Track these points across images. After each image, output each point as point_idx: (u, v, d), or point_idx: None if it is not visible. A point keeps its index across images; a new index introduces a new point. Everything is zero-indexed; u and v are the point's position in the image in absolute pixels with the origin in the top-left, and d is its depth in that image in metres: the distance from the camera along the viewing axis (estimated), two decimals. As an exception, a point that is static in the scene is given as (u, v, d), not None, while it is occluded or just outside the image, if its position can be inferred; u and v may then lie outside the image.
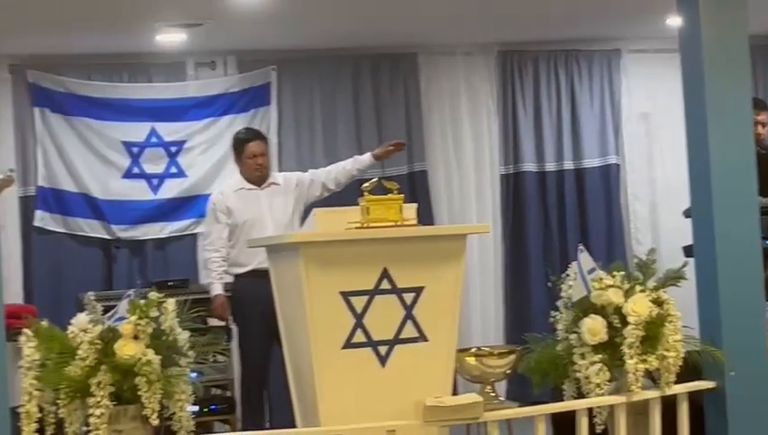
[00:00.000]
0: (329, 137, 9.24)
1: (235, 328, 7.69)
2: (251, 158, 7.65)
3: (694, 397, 5.83)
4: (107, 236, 8.87)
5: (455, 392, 5.56)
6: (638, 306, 5.53)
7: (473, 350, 5.94)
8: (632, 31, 9.36)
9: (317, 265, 5.29)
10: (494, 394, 5.74)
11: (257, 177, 7.64)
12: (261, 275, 6.49)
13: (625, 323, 5.51)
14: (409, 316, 5.42)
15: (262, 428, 7.30)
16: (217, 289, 7.59)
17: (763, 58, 9.82)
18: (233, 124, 8.99)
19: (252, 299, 7.24)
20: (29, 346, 5.08)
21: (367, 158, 7.76)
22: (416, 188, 9.19)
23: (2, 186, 7.38)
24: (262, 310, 6.70)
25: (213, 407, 8.02)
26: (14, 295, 8.31)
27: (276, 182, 7.68)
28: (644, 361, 5.51)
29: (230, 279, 7.63)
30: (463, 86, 9.55)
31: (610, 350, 5.52)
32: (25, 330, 5.15)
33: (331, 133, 9.24)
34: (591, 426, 5.52)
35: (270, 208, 7.56)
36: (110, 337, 5.01)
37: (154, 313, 5.05)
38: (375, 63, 9.37)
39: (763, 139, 7.82)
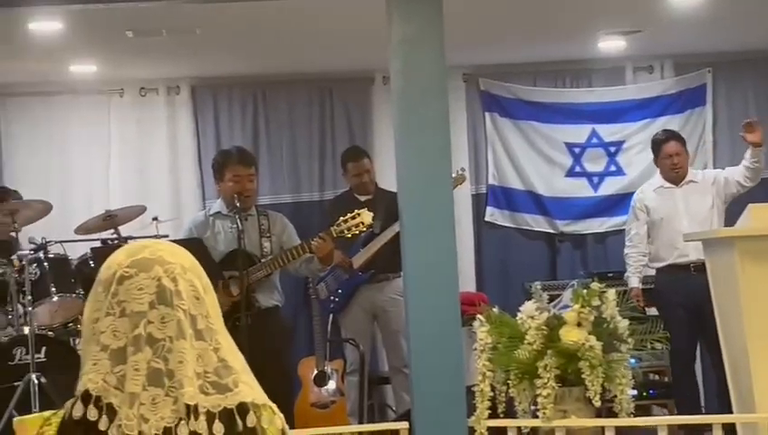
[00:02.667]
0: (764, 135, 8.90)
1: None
2: (666, 158, 7.54)
3: None
4: (551, 231, 8.94)
5: None
6: None
7: None
8: None
9: (752, 258, 5.15)
10: None
11: (674, 176, 7.50)
12: (679, 269, 6.87)
13: None
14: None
15: (695, 409, 7.19)
16: (633, 282, 7.56)
17: None
18: (668, 124, 8.83)
19: (671, 290, 7.24)
20: (482, 331, 5.22)
21: (750, 149, 7.38)
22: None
23: (454, 184, 7.59)
24: (681, 300, 7.04)
25: (651, 391, 7.92)
26: (468, 284, 8.52)
27: (694, 180, 7.53)
28: None
29: (650, 272, 7.60)
30: None
31: None
32: (479, 316, 5.29)
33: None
34: None
35: (686, 206, 7.42)
36: (555, 324, 5.07)
37: (596, 302, 5.08)
38: (807, 62, 8.98)
39: None
